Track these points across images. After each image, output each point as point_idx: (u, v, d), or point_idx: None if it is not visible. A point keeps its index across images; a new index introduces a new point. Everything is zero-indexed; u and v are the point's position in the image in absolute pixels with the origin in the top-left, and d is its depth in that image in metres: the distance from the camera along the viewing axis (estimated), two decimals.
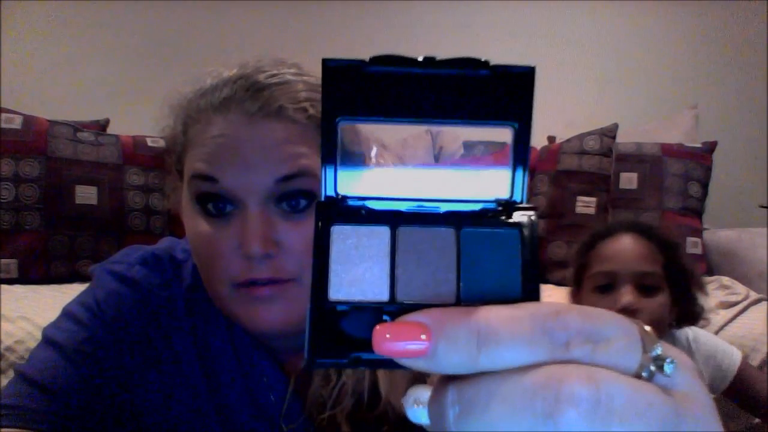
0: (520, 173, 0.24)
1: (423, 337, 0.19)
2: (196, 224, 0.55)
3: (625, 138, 2.03)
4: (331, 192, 0.24)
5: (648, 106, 2.49)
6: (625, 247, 1.08)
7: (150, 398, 0.58)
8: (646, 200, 1.97)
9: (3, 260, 1.61)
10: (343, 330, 0.22)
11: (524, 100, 0.23)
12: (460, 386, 0.20)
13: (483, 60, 0.23)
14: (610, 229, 1.13)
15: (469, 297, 0.22)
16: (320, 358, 0.21)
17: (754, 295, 1.61)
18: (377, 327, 0.20)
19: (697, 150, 2.03)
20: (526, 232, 0.23)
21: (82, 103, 2.21)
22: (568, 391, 0.18)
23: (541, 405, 0.18)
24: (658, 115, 2.38)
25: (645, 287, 1.05)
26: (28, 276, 1.63)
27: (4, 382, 0.55)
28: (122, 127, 1.96)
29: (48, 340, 0.56)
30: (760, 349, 1.36)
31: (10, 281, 1.60)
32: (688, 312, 1.11)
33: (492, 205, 0.24)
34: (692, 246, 1.92)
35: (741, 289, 1.66)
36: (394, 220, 0.24)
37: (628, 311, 1.01)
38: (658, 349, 0.20)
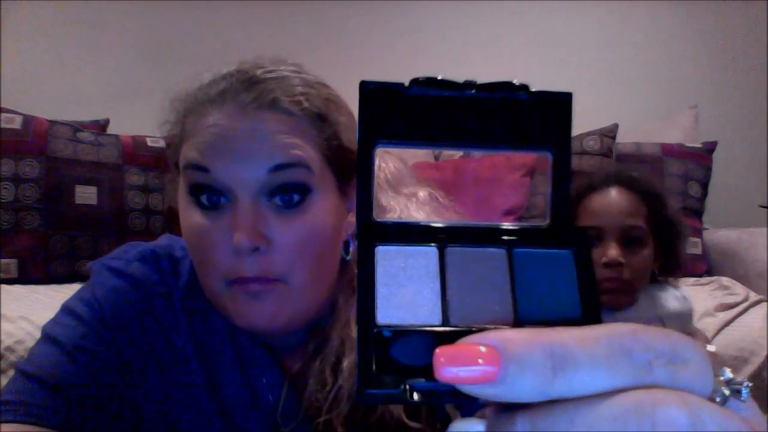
0: (560, 197, 0.23)
1: (491, 360, 0.17)
2: (189, 216, 0.55)
3: (625, 138, 2.03)
4: (366, 218, 0.22)
5: (648, 106, 2.49)
6: (610, 202, 1.10)
7: (150, 394, 0.58)
8: None
9: (3, 260, 1.61)
10: (394, 357, 0.20)
11: (562, 126, 0.23)
12: (533, 415, 0.18)
13: (522, 84, 0.22)
14: (595, 183, 1.14)
15: (527, 319, 0.21)
16: (370, 389, 0.19)
17: (753, 296, 1.61)
18: (438, 350, 0.18)
19: (697, 150, 2.03)
20: (580, 252, 0.22)
21: (82, 103, 2.21)
22: (665, 416, 0.17)
23: None
24: (658, 115, 2.38)
25: (630, 240, 1.07)
26: (28, 276, 1.63)
27: (4, 382, 0.54)
28: (122, 127, 1.96)
29: (47, 336, 0.56)
30: (759, 352, 1.35)
31: (10, 281, 1.60)
32: (671, 262, 1.13)
33: (537, 227, 0.23)
34: (692, 246, 1.91)
35: (740, 290, 1.65)
36: (440, 240, 0.22)
37: (614, 265, 1.05)
38: (728, 373, 0.19)
